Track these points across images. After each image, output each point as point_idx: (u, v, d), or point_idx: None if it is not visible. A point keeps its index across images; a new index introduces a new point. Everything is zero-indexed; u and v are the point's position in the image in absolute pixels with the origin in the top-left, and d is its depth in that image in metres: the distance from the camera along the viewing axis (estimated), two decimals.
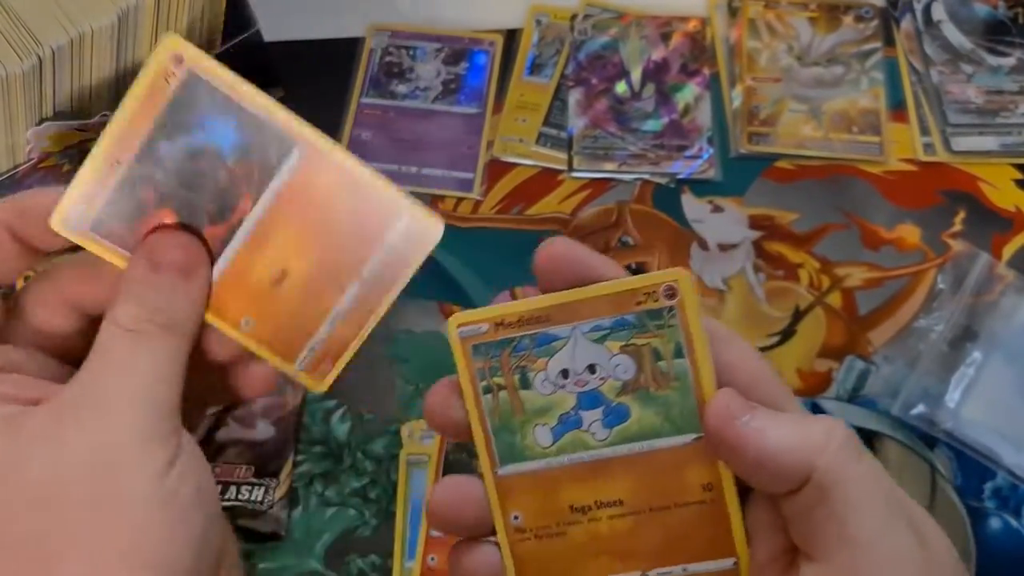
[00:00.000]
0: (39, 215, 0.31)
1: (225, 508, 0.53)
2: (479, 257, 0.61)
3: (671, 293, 0.29)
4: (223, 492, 0.54)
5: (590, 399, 0.30)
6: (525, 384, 0.30)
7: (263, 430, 0.56)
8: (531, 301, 0.29)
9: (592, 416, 0.30)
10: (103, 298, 0.31)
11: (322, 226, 0.31)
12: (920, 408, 0.55)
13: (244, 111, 0.29)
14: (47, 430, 0.28)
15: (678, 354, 0.29)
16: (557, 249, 0.30)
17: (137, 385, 0.29)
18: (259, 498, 0.54)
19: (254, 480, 0.54)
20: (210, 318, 0.31)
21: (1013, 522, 0.53)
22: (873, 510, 0.27)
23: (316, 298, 0.31)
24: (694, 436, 0.29)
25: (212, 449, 0.55)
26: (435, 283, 0.60)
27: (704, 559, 0.30)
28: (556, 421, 0.30)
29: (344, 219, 0.31)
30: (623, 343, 0.29)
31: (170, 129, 0.29)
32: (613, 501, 0.30)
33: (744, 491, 0.30)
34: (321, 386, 0.32)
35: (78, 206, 0.30)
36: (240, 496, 0.54)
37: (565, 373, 0.30)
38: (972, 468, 0.54)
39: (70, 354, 0.32)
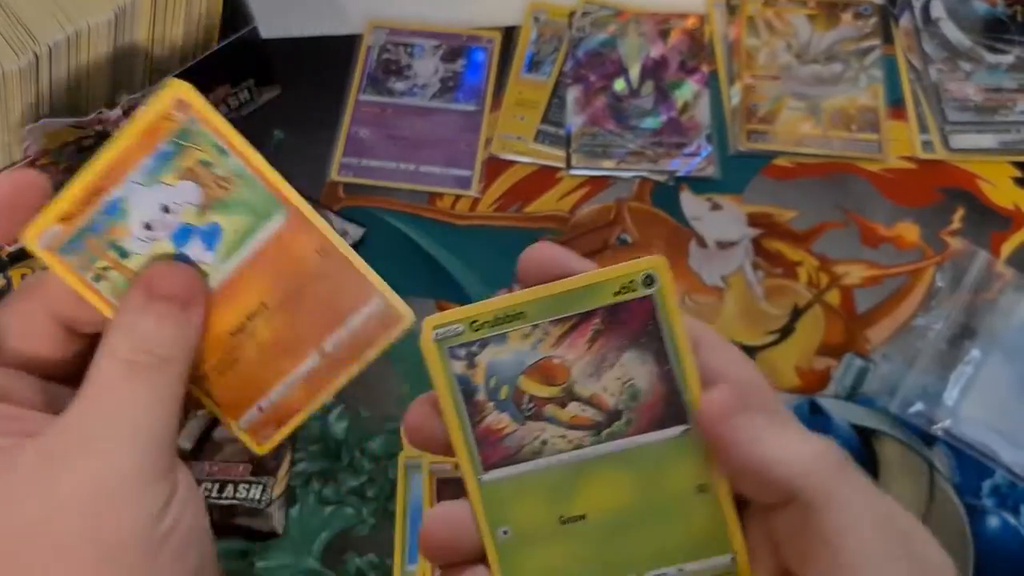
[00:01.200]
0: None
1: (223, 507, 0.53)
2: (477, 255, 0.61)
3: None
4: (220, 490, 0.54)
5: (182, 234, 0.30)
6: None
7: None
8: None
9: (195, 249, 0.30)
10: (98, 318, 0.30)
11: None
12: (918, 406, 0.55)
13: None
14: (41, 467, 0.27)
15: (221, 152, 0.30)
16: (539, 253, 0.29)
17: (134, 421, 0.28)
18: (256, 496, 0.54)
19: (251, 479, 0.54)
20: None
21: (1011, 520, 0.53)
22: (866, 533, 0.27)
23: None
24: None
25: (210, 447, 0.55)
26: (433, 280, 0.60)
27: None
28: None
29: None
30: (172, 173, 0.29)
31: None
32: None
33: (740, 508, 0.30)
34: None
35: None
36: (238, 495, 0.54)
37: (148, 227, 0.30)
38: (970, 466, 0.54)
39: (60, 373, 0.31)
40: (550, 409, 0.30)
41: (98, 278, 0.30)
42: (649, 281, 0.28)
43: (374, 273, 0.31)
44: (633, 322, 0.29)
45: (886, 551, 0.27)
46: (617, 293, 0.29)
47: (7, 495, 0.27)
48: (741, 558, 0.29)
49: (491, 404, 0.30)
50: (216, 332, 0.31)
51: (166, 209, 0.30)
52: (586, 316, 0.29)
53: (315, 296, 0.31)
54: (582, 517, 0.29)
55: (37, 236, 0.29)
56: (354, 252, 0.31)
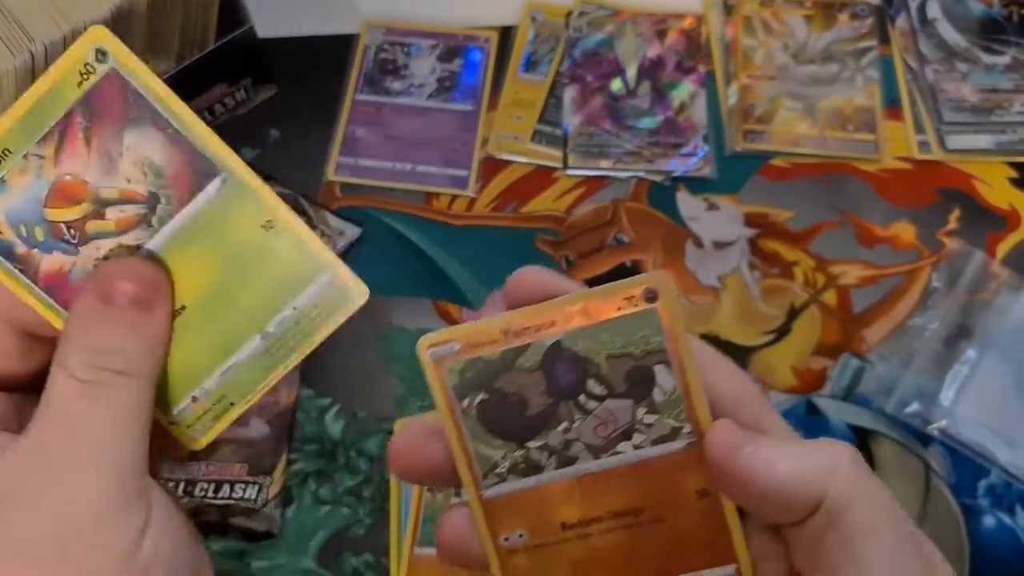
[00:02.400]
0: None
1: (219, 507, 0.53)
2: (473, 255, 0.61)
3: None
4: (216, 491, 0.54)
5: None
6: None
7: (257, 428, 0.56)
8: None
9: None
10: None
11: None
12: (914, 406, 0.55)
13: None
14: (2, 494, 0.25)
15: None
16: (526, 277, 0.28)
17: (97, 447, 0.25)
18: (253, 496, 0.54)
19: (248, 478, 0.54)
20: None
21: (1007, 520, 0.53)
22: (883, 533, 0.26)
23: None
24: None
25: (206, 447, 0.55)
26: (429, 280, 0.60)
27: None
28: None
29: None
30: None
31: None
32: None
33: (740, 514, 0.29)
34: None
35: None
36: (234, 495, 0.54)
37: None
38: (966, 466, 0.54)
39: (26, 383, 0.28)
40: (92, 226, 0.27)
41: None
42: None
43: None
44: (113, 101, 0.26)
45: (903, 552, 0.26)
46: (81, 83, 0.26)
47: None
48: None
49: (35, 252, 0.27)
50: None
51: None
52: (66, 120, 0.26)
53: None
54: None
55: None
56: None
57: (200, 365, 0.28)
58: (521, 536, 0.29)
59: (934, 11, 0.68)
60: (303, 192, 0.62)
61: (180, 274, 0.28)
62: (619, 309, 0.27)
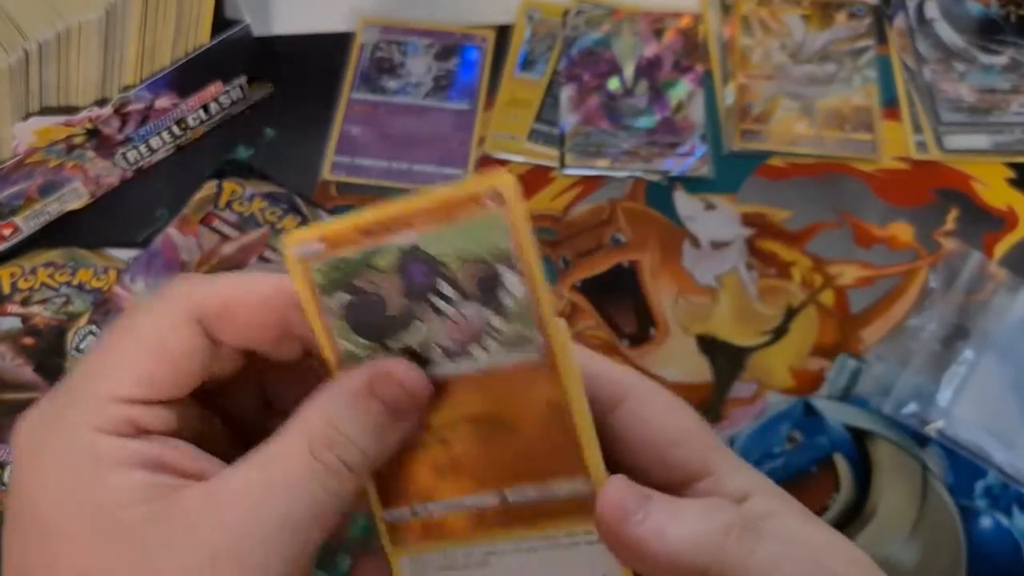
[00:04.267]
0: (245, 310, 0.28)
1: None
2: None
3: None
4: None
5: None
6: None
7: None
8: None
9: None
10: (242, 330, 0.28)
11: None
12: (912, 407, 0.55)
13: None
14: (195, 519, 0.26)
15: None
16: None
17: (289, 519, 0.26)
18: None
19: None
20: None
21: (1004, 521, 0.53)
22: None
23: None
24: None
25: None
26: None
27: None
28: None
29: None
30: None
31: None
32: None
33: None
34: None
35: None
36: None
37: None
38: (963, 467, 0.54)
39: (196, 379, 0.29)
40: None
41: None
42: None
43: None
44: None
45: None
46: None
47: (165, 535, 0.25)
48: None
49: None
50: None
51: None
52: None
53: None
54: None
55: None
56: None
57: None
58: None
59: (932, 11, 0.68)
60: (299, 191, 0.62)
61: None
62: (469, 213, 0.26)
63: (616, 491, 0.27)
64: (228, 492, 0.26)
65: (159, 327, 0.28)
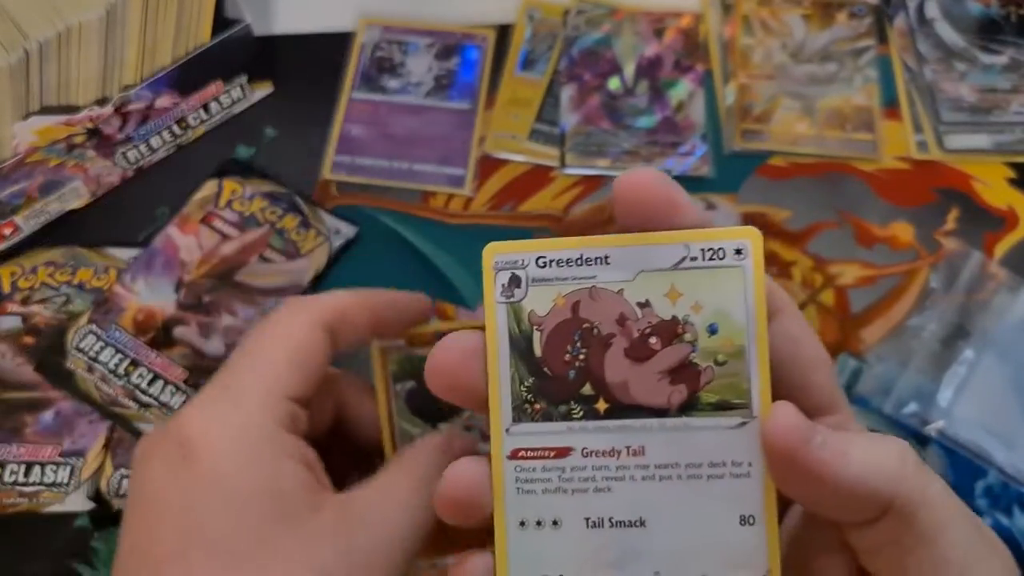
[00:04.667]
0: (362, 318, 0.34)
1: None
2: (470, 254, 0.61)
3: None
4: None
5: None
6: None
7: None
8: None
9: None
10: (357, 333, 0.34)
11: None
12: (912, 406, 0.55)
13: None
14: (362, 512, 0.29)
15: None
16: (641, 181, 0.27)
17: (413, 529, 0.30)
18: None
19: None
20: None
21: (1004, 521, 0.53)
22: (962, 531, 0.25)
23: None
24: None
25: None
26: (426, 279, 0.60)
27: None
28: None
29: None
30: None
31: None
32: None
33: (784, 507, 0.27)
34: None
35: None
36: None
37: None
38: (964, 467, 0.54)
39: (315, 380, 0.33)
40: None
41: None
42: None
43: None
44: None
45: (981, 545, 0.25)
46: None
47: (307, 537, 0.28)
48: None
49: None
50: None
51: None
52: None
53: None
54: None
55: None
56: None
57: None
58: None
59: (932, 11, 0.68)
60: (299, 190, 0.62)
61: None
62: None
63: (791, 414, 0.25)
64: (365, 502, 0.30)
65: (299, 332, 0.31)
